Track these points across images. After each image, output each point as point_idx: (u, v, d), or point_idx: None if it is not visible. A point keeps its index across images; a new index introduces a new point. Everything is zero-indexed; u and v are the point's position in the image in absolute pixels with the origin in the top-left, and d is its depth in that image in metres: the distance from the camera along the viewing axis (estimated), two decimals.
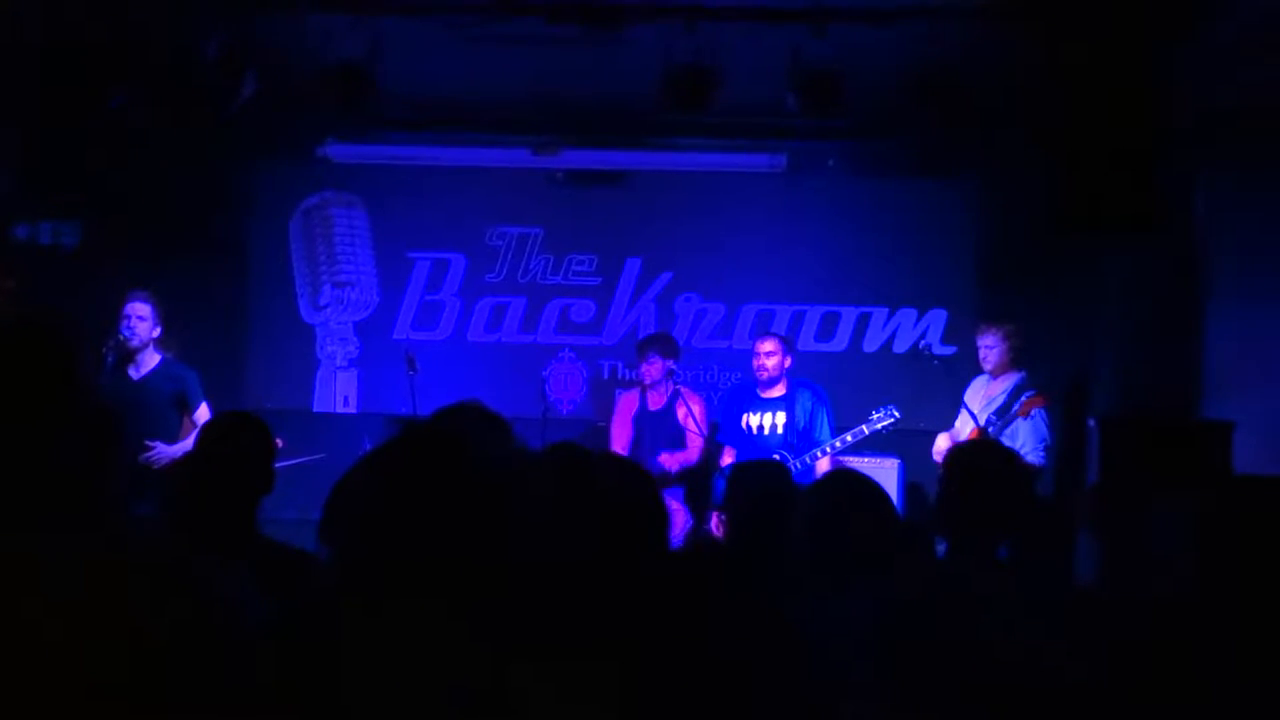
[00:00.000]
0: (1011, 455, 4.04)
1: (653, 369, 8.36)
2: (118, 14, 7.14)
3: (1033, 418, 7.58)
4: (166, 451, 7.09)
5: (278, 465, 7.49)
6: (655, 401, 8.44)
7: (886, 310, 9.53)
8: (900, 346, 9.50)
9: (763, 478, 4.72)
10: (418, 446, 2.61)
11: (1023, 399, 7.64)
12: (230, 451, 3.80)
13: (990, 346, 7.95)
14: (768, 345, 8.17)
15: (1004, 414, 7.68)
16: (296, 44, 7.49)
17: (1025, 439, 7.55)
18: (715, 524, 7.58)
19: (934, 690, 2.10)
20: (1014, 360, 7.93)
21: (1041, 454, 7.60)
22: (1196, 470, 6.27)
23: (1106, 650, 2.60)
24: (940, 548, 4.11)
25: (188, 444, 6.80)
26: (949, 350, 9.10)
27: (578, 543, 2.50)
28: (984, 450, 4.35)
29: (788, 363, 8.14)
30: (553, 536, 2.48)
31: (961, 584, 2.92)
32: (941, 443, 7.96)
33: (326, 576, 3.56)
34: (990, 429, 7.60)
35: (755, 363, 8.18)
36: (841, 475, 3.98)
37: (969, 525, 3.60)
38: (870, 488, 3.72)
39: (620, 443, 8.46)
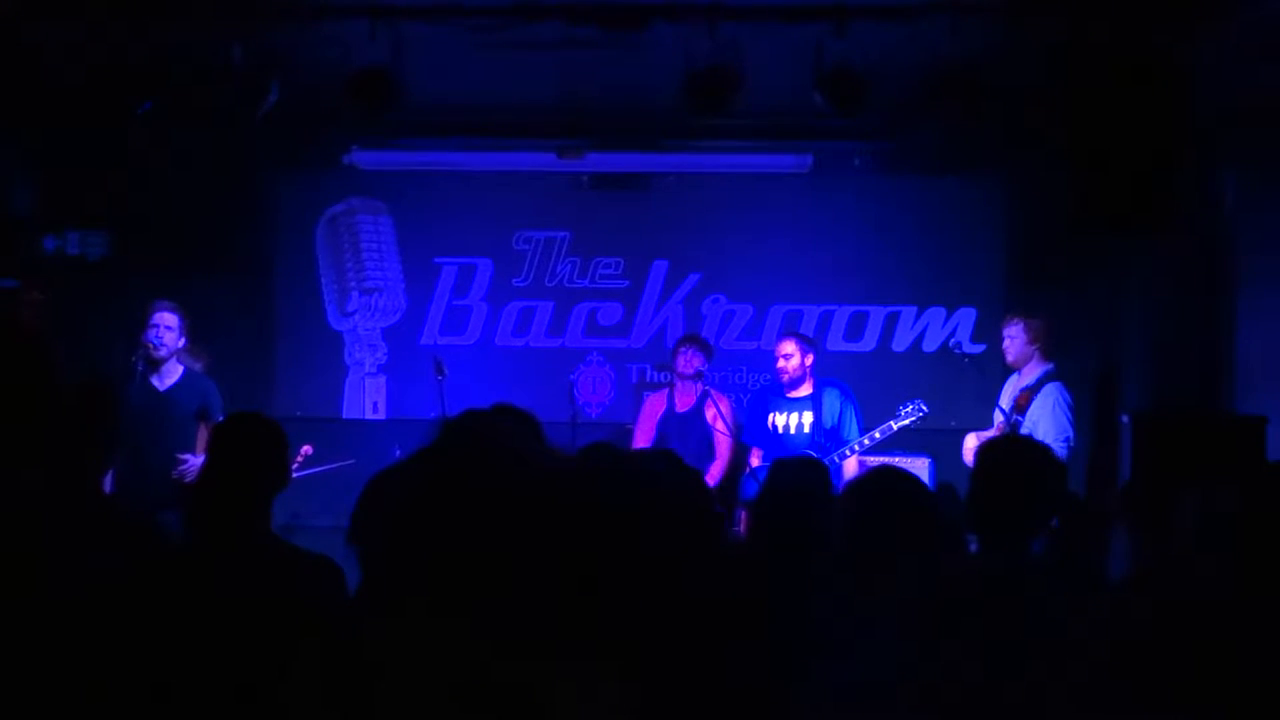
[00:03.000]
0: (1044, 450, 3.99)
1: (692, 360, 8.32)
2: (142, 26, 7.16)
3: (1045, 408, 7.56)
4: (197, 464, 7.08)
5: (309, 473, 7.56)
6: (683, 403, 8.43)
7: (915, 309, 9.49)
8: (929, 345, 9.46)
9: (800, 475, 4.67)
10: (447, 448, 2.60)
11: (1020, 393, 7.63)
12: (241, 451, 3.79)
13: (1012, 337, 7.90)
14: (786, 347, 8.15)
15: (1021, 409, 7.66)
16: (320, 52, 7.49)
17: (1046, 431, 7.49)
18: (743, 524, 7.58)
19: (972, 686, 2.08)
20: (1041, 352, 7.87)
21: (1063, 446, 7.52)
22: (1231, 465, 6.21)
23: (1142, 647, 2.58)
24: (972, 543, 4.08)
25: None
26: (979, 348, 9.05)
27: (611, 542, 2.49)
28: (1015, 445, 4.30)
29: (809, 360, 8.11)
30: (582, 535, 2.46)
31: (1001, 585, 2.89)
32: (970, 443, 7.93)
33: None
34: (1008, 426, 7.57)
35: (776, 365, 8.17)
36: (885, 472, 3.93)
37: (1000, 521, 3.56)
38: (913, 484, 3.68)
39: (643, 444, 8.45)
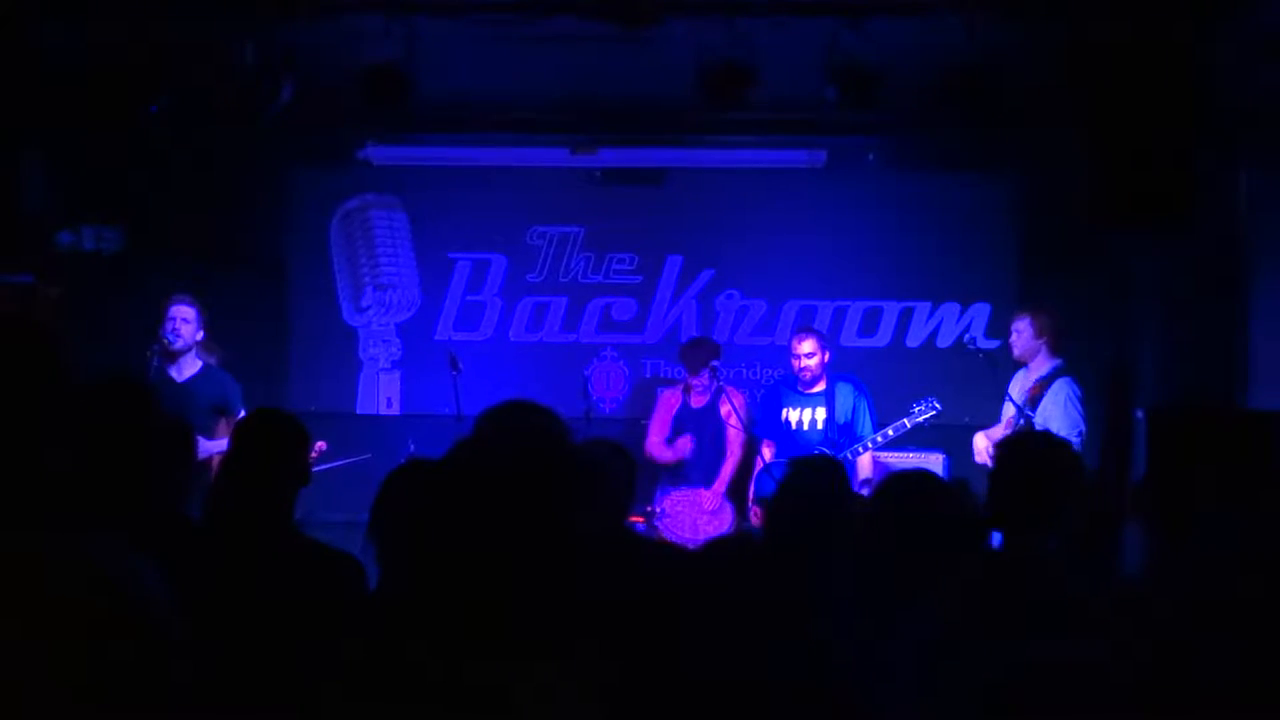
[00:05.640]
0: (1064, 445, 3.99)
1: (703, 380, 8.32)
2: (156, 22, 7.17)
3: (1052, 403, 7.54)
4: (202, 447, 7.03)
5: (323, 468, 7.57)
6: (698, 400, 8.43)
7: (929, 305, 9.46)
8: (944, 341, 9.44)
9: (816, 474, 4.66)
10: (466, 450, 2.60)
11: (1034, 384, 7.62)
12: (264, 447, 3.80)
13: (1019, 332, 7.92)
14: (807, 345, 8.09)
15: (1034, 403, 7.64)
16: (333, 48, 7.51)
17: (1058, 426, 7.49)
18: (755, 518, 7.58)
19: (995, 682, 2.08)
20: (1050, 347, 7.86)
21: (1076, 440, 7.54)
22: (1245, 460, 6.20)
23: (1161, 651, 2.57)
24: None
25: (220, 444, 6.79)
26: (993, 344, 9.04)
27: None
28: (1035, 441, 4.30)
29: (827, 358, 8.11)
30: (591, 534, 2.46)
31: (1026, 579, 2.88)
32: (980, 441, 7.91)
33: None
34: (1020, 420, 7.55)
35: (796, 364, 8.12)
36: (905, 476, 3.90)
37: (1022, 518, 3.55)
38: (934, 485, 3.67)
39: (656, 439, 8.46)
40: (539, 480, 2.45)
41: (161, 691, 1.65)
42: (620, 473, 4.56)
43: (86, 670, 1.61)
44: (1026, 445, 4.07)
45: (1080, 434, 7.58)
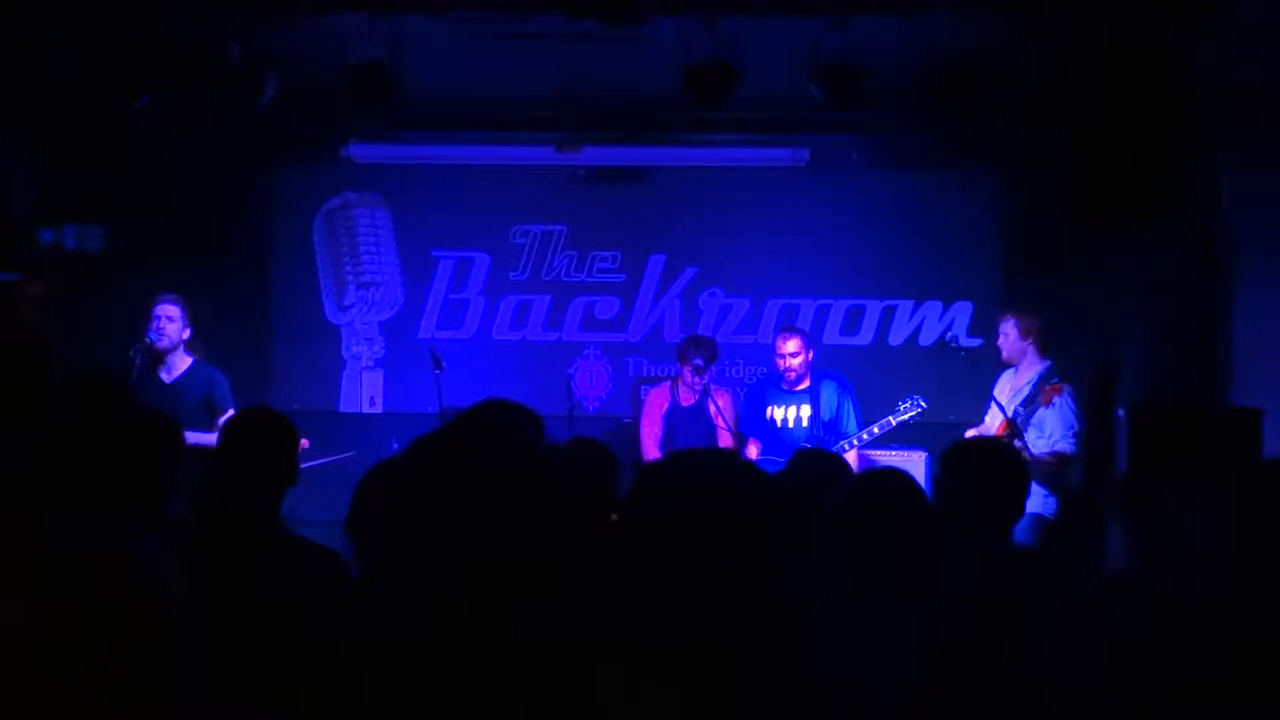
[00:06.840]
0: (1000, 447, 4.09)
1: (700, 381, 8.22)
2: (140, 21, 7.16)
3: (1054, 405, 7.53)
4: (189, 439, 6.98)
5: (306, 466, 7.54)
6: (687, 398, 8.38)
7: (912, 303, 9.48)
8: (926, 339, 9.46)
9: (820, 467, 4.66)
10: (442, 443, 2.60)
11: (1045, 387, 7.61)
12: (252, 445, 3.80)
13: (1005, 334, 7.90)
14: (791, 345, 8.06)
15: (1029, 404, 7.64)
16: (317, 45, 7.50)
17: (1054, 427, 7.50)
18: None
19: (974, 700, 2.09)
20: (1038, 349, 7.87)
21: (1071, 440, 7.55)
22: (1227, 458, 6.23)
23: (1145, 647, 2.58)
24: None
25: (210, 437, 6.76)
26: (975, 342, 9.07)
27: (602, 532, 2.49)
28: (972, 449, 4.42)
29: (811, 356, 8.10)
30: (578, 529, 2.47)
31: (1001, 588, 2.89)
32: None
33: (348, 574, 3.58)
34: (1018, 420, 7.56)
35: (781, 363, 8.09)
36: (876, 475, 3.92)
37: (971, 520, 3.64)
38: (906, 484, 3.68)
39: (652, 440, 8.42)
40: (504, 476, 2.45)
41: (179, 690, 1.66)
42: (603, 471, 4.56)
43: (120, 668, 1.61)
44: (962, 455, 4.17)
45: (1075, 432, 7.60)
